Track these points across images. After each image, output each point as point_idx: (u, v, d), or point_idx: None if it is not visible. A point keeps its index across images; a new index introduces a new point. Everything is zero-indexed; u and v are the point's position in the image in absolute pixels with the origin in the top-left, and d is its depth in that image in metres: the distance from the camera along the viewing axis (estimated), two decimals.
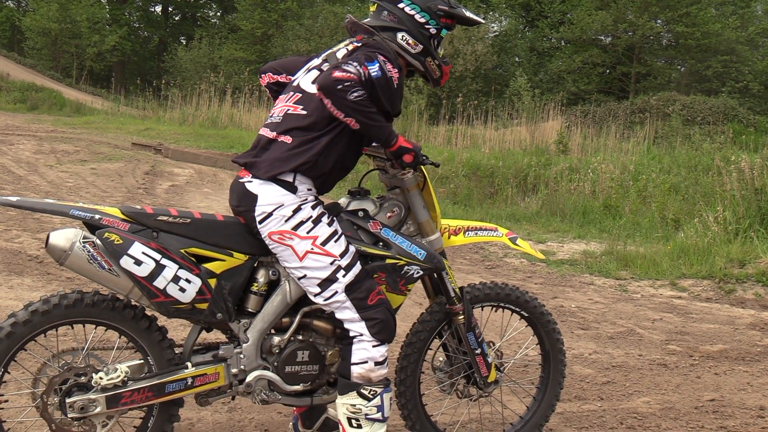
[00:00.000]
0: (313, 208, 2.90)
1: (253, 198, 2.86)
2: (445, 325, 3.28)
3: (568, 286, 6.82)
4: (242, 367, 2.93)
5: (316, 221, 2.87)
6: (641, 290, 6.76)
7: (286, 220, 2.84)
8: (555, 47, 32.14)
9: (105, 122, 17.59)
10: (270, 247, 2.88)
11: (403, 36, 3.06)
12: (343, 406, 2.90)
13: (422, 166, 3.07)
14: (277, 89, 3.24)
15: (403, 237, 3.07)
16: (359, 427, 2.90)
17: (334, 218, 2.96)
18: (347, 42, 3.09)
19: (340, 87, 2.68)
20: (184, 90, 20.86)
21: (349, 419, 2.91)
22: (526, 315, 3.41)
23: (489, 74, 25.52)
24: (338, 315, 2.89)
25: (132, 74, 41.18)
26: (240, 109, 18.33)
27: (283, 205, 2.84)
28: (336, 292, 2.85)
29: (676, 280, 6.90)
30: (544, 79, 28.60)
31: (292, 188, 2.87)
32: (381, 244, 3.05)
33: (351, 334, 2.88)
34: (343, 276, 2.85)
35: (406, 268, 3.03)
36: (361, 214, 3.08)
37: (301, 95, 2.97)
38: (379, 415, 2.90)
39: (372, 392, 2.89)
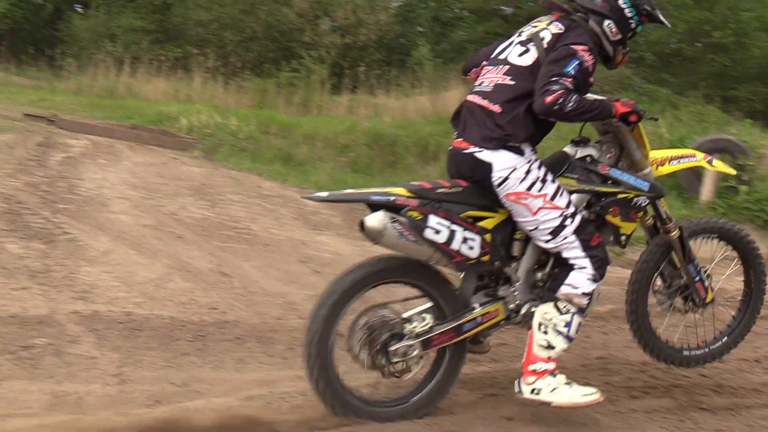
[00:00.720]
0: (539, 168, 3.40)
1: (487, 166, 3.34)
2: (665, 255, 3.88)
3: None
4: (517, 302, 3.52)
5: (544, 180, 3.37)
6: None
7: (520, 182, 3.32)
8: (458, 17, 32.44)
9: None
10: (506, 205, 3.41)
11: (609, 24, 3.51)
12: (539, 313, 3.42)
13: None
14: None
15: (628, 173, 3.64)
16: (545, 333, 3.38)
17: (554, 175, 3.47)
18: (548, 21, 3.48)
19: (556, 108, 3.17)
20: (80, 60, 20.12)
21: (539, 324, 3.40)
22: (739, 249, 4.04)
23: (392, 44, 25.57)
24: (565, 254, 3.41)
25: (24, 43, 39.20)
26: (138, 80, 17.87)
27: (515, 168, 3.33)
28: (566, 237, 3.37)
29: None
30: (447, 48, 28.87)
31: (519, 152, 3.35)
32: (610, 182, 3.59)
33: (575, 264, 3.41)
34: (571, 223, 3.38)
35: (635, 199, 3.62)
36: (588, 159, 3.60)
37: (509, 67, 3.43)
38: (565, 330, 3.38)
39: (566, 309, 3.39)
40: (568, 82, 3.19)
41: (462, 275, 3.57)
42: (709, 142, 7.32)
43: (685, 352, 4.07)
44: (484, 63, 3.66)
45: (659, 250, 3.88)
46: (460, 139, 3.47)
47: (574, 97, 3.18)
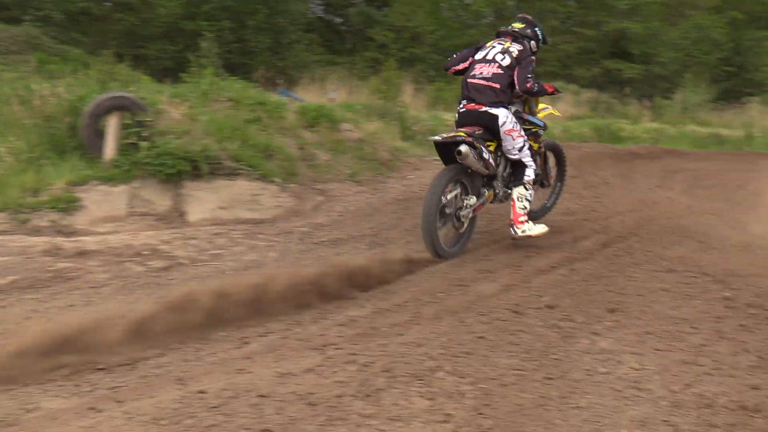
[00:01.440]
0: (515, 115, 6.28)
1: (495, 117, 6.13)
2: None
3: None
4: (499, 189, 6.42)
5: (516, 122, 6.24)
6: None
7: (511, 123, 6.17)
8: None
9: None
10: (502, 137, 6.20)
11: (533, 43, 6.51)
12: (516, 192, 6.31)
13: None
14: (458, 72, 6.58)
15: (534, 118, 6.63)
16: (520, 201, 6.28)
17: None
18: (509, 42, 6.37)
19: (531, 90, 6.16)
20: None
21: (518, 197, 6.30)
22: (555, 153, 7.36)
23: None
24: (524, 160, 6.32)
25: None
26: None
27: (508, 116, 6.15)
28: (524, 150, 6.30)
29: None
30: None
31: (508, 109, 6.19)
32: (527, 122, 6.52)
33: (527, 164, 6.33)
34: (525, 143, 6.30)
35: (538, 131, 6.68)
36: (517, 111, 6.42)
37: (497, 65, 6.22)
38: (530, 197, 6.36)
39: (528, 187, 6.32)
40: (532, 77, 6.18)
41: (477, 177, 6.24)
42: (107, 101, 7.48)
43: (547, 204, 7.26)
44: (473, 60, 6.42)
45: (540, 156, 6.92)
46: (473, 104, 6.23)
47: (537, 83, 6.21)
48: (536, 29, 6.53)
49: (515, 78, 6.15)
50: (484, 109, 6.15)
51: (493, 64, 6.24)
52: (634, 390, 3.78)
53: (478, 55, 6.40)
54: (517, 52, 6.26)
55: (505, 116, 6.14)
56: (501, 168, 6.40)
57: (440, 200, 5.83)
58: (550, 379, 3.90)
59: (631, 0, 29.03)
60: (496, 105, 6.13)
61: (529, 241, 6.48)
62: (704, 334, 4.50)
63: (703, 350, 4.28)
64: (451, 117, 10.28)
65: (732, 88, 29.99)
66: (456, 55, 6.65)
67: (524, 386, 3.79)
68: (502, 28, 6.61)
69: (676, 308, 4.96)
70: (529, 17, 6.62)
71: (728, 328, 4.60)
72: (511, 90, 6.23)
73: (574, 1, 30.55)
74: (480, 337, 4.38)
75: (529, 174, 6.33)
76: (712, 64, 30.39)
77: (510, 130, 6.19)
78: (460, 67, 6.52)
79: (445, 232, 6.09)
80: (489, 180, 6.36)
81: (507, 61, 6.22)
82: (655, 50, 29.32)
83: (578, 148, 12.84)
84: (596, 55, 29.23)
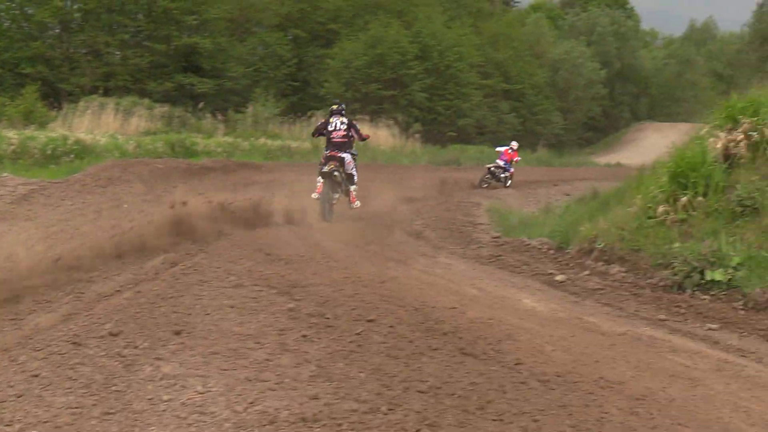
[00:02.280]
0: (351, 153, 11.95)
1: (343, 158, 11.60)
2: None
3: None
4: (342, 188, 11.85)
5: (352, 158, 11.87)
6: None
7: (350, 159, 11.76)
8: None
9: None
10: (346, 166, 11.61)
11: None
12: (351, 188, 11.84)
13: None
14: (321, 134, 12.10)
15: (353, 151, 12.20)
16: (354, 193, 11.91)
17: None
18: (340, 118, 11.84)
19: (365, 139, 12.54)
20: None
21: (353, 190, 11.90)
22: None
23: None
24: (354, 173, 11.83)
25: None
26: None
27: (352, 158, 11.84)
28: (354, 169, 11.82)
29: None
30: None
31: (353, 153, 11.95)
32: (354, 154, 12.22)
33: (355, 174, 11.89)
34: (354, 165, 11.90)
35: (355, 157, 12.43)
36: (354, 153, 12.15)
37: (342, 132, 11.68)
38: (355, 191, 11.94)
39: (355, 186, 11.94)
40: (361, 132, 12.17)
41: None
42: None
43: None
44: (328, 130, 11.71)
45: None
46: (336, 151, 11.51)
47: (364, 134, 12.32)
48: (343, 107, 12.17)
49: (354, 134, 11.79)
50: (341, 155, 11.50)
51: (340, 131, 11.65)
52: (198, 415, 3.65)
53: (330, 127, 11.71)
54: (347, 122, 11.81)
55: (349, 157, 11.65)
56: (342, 178, 11.62)
57: (332, 195, 11.40)
58: (110, 413, 3.65)
59: (199, 16, 29.33)
60: (347, 151, 11.65)
61: None
62: (268, 349, 4.49)
63: (267, 365, 4.26)
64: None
65: (299, 102, 32.11)
66: (318, 126, 12.20)
67: (81, 425, 3.50)
68: (333, 108, 12.08)
69: (242, 324, 4.91)
70: (340, 102, 12.52)
71: (291, 340, 4.65)
72: (352, 141, 11.83)
73: (143, 15, 29.90)
74: (34, 376, 3.98)
75: (356, 179, 11.83)
76: (279, 79, 32.18)
77: (349, 162, 11.61)
78: (320, 134, 12.00)
79: (329, 208, 11.27)
80: (341, 184, 11.58)
81: (344, 129, 11.67)
82: (225, 65, 30.07)
83: (151, 164, 12.48)
84: (169, 70, 29.01)
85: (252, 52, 31.83)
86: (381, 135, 28.77)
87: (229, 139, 22.05)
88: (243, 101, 28.76)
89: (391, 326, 5.02)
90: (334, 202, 11.42)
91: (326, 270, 6.69)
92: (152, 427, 3.54)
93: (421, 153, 29.99)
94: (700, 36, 67.39)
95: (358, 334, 4.81)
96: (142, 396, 3.83)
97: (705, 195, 8.35)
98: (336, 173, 11.33)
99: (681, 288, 7.50)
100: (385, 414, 3.70)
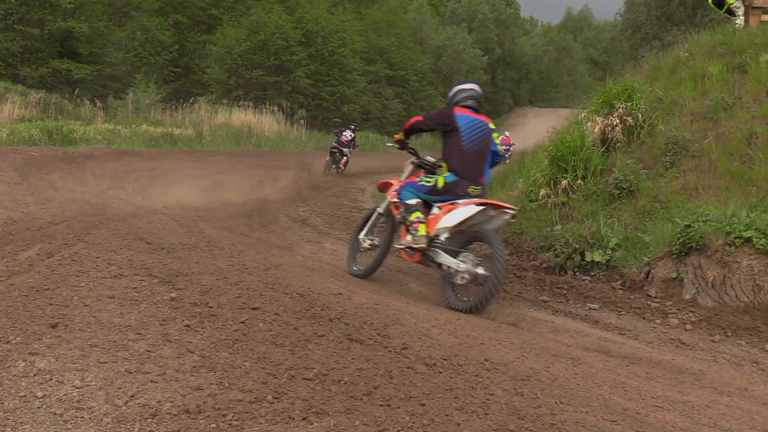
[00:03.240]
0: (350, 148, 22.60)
1: (343, 150, 21.09)
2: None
3: None
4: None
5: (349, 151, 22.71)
6: None
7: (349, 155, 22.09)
8: None
9: None
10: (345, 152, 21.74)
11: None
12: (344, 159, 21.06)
13: None
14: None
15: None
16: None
17: None
18: (352, 133, 21.55)
19: (355, 144, 22.48)
20: None
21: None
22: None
23: None
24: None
25: None
26: None
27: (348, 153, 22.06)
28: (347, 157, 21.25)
29: None
30: None
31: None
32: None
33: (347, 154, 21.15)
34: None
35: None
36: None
37: (349, 139, 20.99)
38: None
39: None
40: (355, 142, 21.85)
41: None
42: None
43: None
44: (338, 136, 20.95)
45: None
46: (339, 146, 20.61)
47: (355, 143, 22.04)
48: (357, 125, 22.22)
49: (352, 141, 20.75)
50: (342, 149, 19.99)
51: (347, 135, 20.28)
52: (75, 411, 3.52)
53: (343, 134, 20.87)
54: (353, 132, 20.78)
55: (346, 150, 20.30)
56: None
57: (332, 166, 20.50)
58: None
59: None
60: (345, 147, 20.48)
61: None
62: (150, 340, 4.40)
63: (148, 357, 4.16)
64: None
65: (181, 89, 31.61)
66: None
67: None
68: (351, 126, 21.20)
69: (122, 315, 4.80)
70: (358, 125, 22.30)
71: (173, 330, 4.57)
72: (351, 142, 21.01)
73: None
74: None
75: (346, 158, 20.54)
76: (160, 65, 31.57)
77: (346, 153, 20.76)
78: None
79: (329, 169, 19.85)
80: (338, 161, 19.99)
81: (350, 136, 20.30)
82: (103, 50, 29.26)
83: (26, 152, 12.17)
84: (43, 55, 27.97)
85: (131, 37, 31.11)
86: (266, 121, 28.78)
87: (109, 126, 21.55)
88: (123, 87, 28.09)
89: (276, 314, 4.99)
90: (333, 167, 19.81)
91: (210, 258, 6.61)
92: (25, 426, 3.37)
93: (306, 139, 30.21)
94: (577, 24, 70.43)
95: (242, 322, 4.77)
96: (14, 393, 3.65)
97: (584, 178, 8.65)
98: (337, 154, 20.06)
99: (563, 269, 7.76)
100: (271, 403, 3.66)
